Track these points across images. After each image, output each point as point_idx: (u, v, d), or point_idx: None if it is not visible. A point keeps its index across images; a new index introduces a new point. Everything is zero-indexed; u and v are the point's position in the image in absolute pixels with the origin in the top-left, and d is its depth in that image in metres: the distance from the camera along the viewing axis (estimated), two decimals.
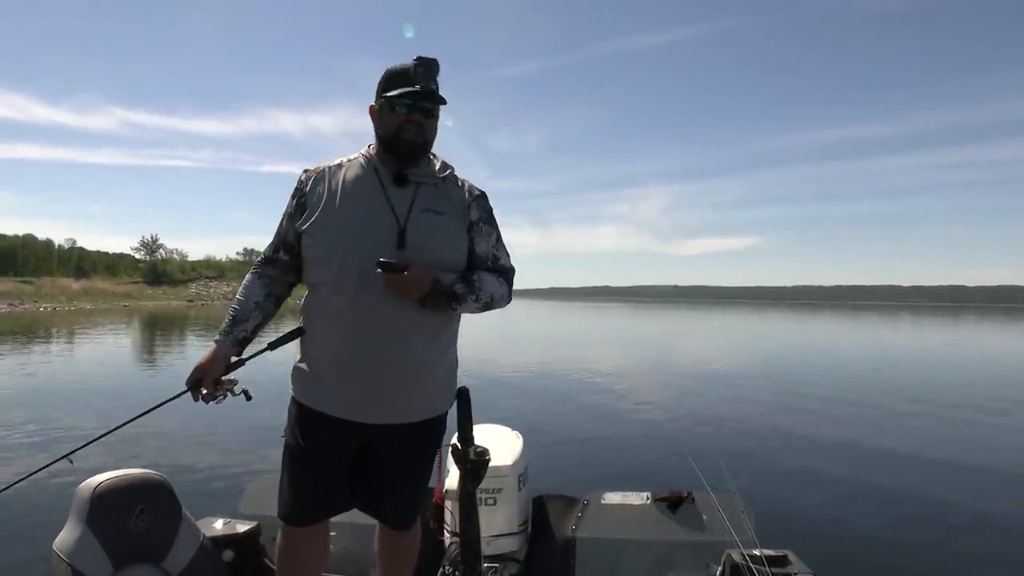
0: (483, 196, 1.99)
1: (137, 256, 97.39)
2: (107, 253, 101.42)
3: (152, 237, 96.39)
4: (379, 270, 1.70)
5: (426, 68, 1.76)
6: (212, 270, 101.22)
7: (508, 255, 2.02)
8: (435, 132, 1.88)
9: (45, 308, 49.83)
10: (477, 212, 1.94)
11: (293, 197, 1.90)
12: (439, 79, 1.82)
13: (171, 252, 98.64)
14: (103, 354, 17.44)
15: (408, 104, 1.78)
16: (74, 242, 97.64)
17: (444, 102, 1.82)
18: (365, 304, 1.77)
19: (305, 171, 1.92)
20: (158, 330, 27.79)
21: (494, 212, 2.02)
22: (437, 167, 1.93)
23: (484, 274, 1.89)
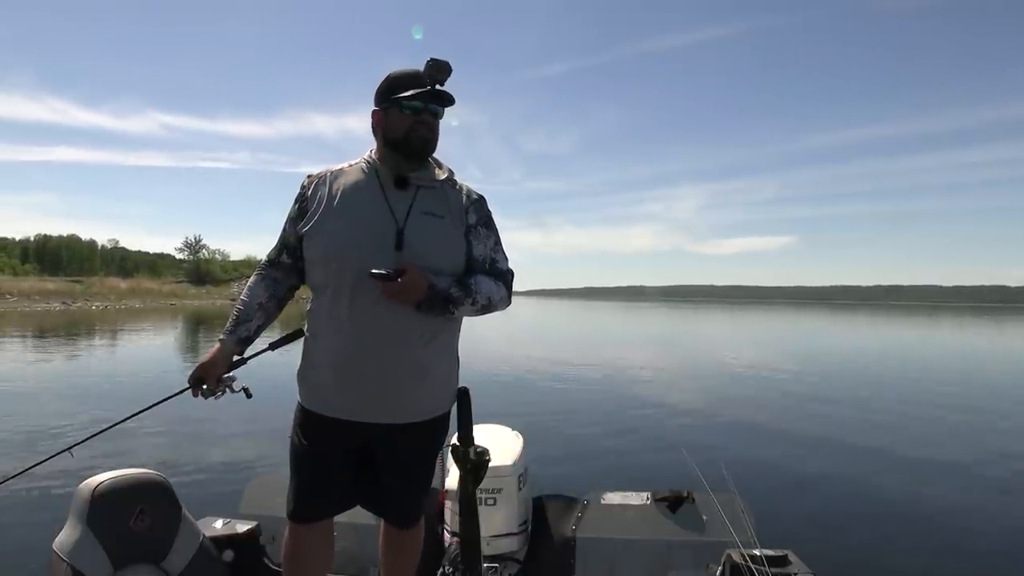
0: (481, 200, 1.98)
1: (179, 256, 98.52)
2: (148, 253, 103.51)
3: (195, 238, 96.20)
4: (373, 280, 1.71)
5: (438, 69, 1.77)
6: (253, 270, 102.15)
7: (506, 258, 2.02)
8: (438, 135, 1.90)
9: (97, 307, 50.90)
10: (475, 216, 1.94)
11: (296, 201, 1.94)
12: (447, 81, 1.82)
13: (213, 252, 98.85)
14: (155, 348, 17.99)
15: (418, 106, 1.81)
16: (116, 242, 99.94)
17: (453, 102, 1.84)
18: (362, 307, 1.78)
19: (308, 176, 1.95)
20: (204, 327, 28.41)
21: (493, 216, 2.02)
22: (437, 171, 1.95)
23: (481, 277, 1.90)
